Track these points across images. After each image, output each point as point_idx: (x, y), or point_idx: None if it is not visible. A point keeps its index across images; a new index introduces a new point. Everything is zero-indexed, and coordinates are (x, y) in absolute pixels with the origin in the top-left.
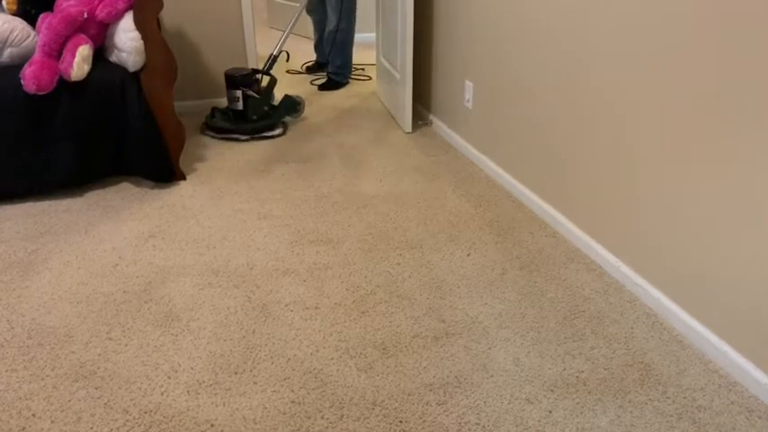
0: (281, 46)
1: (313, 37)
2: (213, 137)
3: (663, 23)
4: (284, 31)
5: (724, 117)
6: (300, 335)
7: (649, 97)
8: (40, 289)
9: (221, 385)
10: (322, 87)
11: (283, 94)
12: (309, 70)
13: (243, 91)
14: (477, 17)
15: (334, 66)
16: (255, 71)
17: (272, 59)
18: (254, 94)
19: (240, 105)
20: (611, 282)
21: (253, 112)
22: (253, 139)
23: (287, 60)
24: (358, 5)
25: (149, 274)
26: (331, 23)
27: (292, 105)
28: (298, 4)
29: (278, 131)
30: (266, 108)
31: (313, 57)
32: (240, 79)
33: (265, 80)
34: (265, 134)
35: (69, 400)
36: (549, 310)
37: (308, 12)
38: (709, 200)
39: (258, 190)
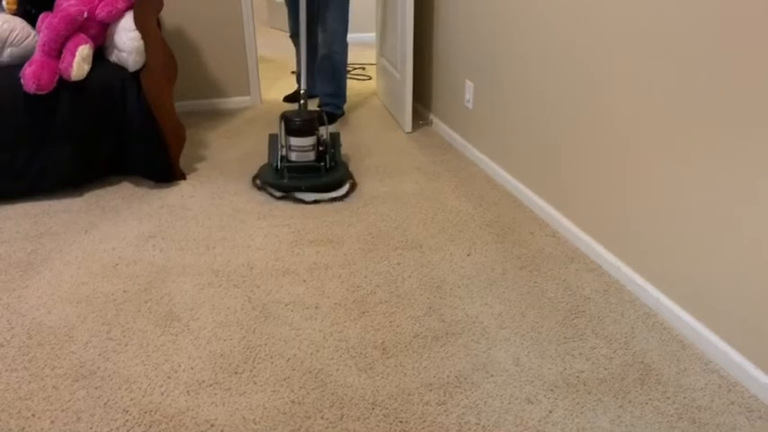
0: (305, 82)
1: (297, 66)
2: (293, 199)
3: (663, 24)
4: (297, 64)
5: (725, 117)
6: (300, 335)
7: (650, 97)
8: (40, 289)
9: (221, 385)
10: None
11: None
12: (290, 101)
13: (318, 137)
14: (477, 17)
15: (325, 95)
16: (315, 111)
17: (304, 96)
18: (327, 139)
19: (313, 155)
20: (611, 282)
21: (331, 159)
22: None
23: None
24: (357, 7)
25: (149, 274)
26: (324, 47)
27: (339, 142)
28: None
29: (348, 183)
30: (333, 152)
31: (291, 86)
32: (312, 123)
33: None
34: (342, 189)
35: (69, 400)
36: (549, 310)
37: (292, 36)
38: (710, 200)
39: (258, 190)
